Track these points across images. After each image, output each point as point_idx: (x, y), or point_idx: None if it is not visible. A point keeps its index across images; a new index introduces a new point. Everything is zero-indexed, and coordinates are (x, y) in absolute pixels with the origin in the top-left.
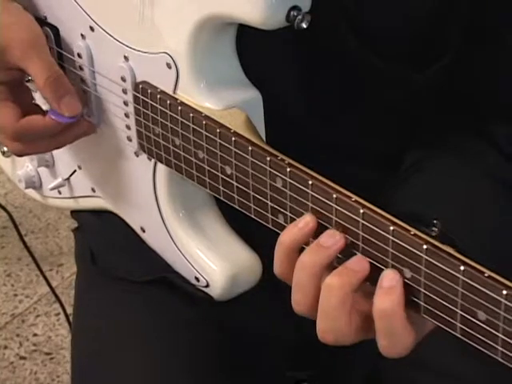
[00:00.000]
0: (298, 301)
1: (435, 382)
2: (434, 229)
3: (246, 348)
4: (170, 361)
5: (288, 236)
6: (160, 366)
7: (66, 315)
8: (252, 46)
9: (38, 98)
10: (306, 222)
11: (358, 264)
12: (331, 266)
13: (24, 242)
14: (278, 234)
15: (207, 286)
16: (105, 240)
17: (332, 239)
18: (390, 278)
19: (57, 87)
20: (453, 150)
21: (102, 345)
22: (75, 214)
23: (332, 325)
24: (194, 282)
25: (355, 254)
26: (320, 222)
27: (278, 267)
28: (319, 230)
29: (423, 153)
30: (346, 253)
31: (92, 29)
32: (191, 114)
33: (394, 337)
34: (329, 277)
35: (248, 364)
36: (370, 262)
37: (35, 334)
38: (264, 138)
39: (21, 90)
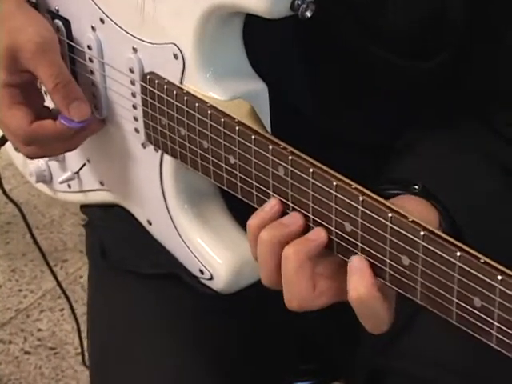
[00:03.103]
0: (264, 276)
1: (435, 375)
2: (415, 187)
3: (256, 337)
4: (182, 350)
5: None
6: (172, 355)
7: (72, 310)
8: (259, 38)
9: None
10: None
11: (315, 234)
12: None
13: (32, 235)
14: None
15: (211, 278)
16: (114, 234)
17: (292, 219)
18: (357, 263)
19: (66, 93)
20: (446, 129)
21: (117, 336)
22: (85, 208)
23: (293, 291)
24: (198, 274)
25: (355, 244)
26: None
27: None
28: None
29: (417, 131)
30: (347, 242)
31: (102, 21)
32: (196, 104)
33: (377, 318)
34: (286, 247)
35: (258, 353)
36: (370, 253)
37: (40, 329)
38: (269, 130)
39: (33, 91)
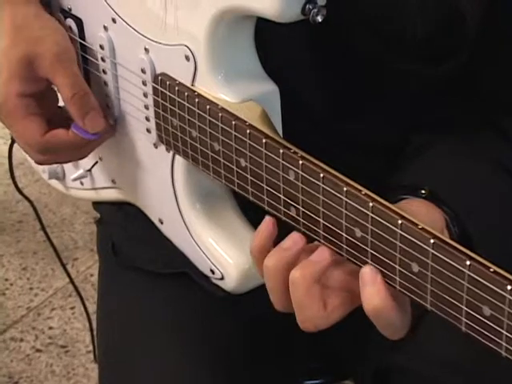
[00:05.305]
0: (275, 302)
1: (442, 374)
2: (422, 192)
3: (264, 338)
4: (190, 349)
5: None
6: (180, 355)
7: (85, 307)
8: (270, 40)
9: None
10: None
11: (318, 255)
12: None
13: (45, 233)
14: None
15: (222, 278)
16: (125, 232)
17: (291, 241)
18: (369, 274)
19: (82, 104)
20: (456, 135)
21: (126, 334)
22: (96, 205)
23: (306, 314)
24: (209, 274)
25: (365, 250)
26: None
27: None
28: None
29: (426, 136)
30: (357, 248)
31: (114, 20)
32: (208, 106)
33: (393, 326)
34: (292, 271)
35: (267, 355)
36: (380, 260)
37: (51, 327)
38: (281, 132)
39: (47, 97)
